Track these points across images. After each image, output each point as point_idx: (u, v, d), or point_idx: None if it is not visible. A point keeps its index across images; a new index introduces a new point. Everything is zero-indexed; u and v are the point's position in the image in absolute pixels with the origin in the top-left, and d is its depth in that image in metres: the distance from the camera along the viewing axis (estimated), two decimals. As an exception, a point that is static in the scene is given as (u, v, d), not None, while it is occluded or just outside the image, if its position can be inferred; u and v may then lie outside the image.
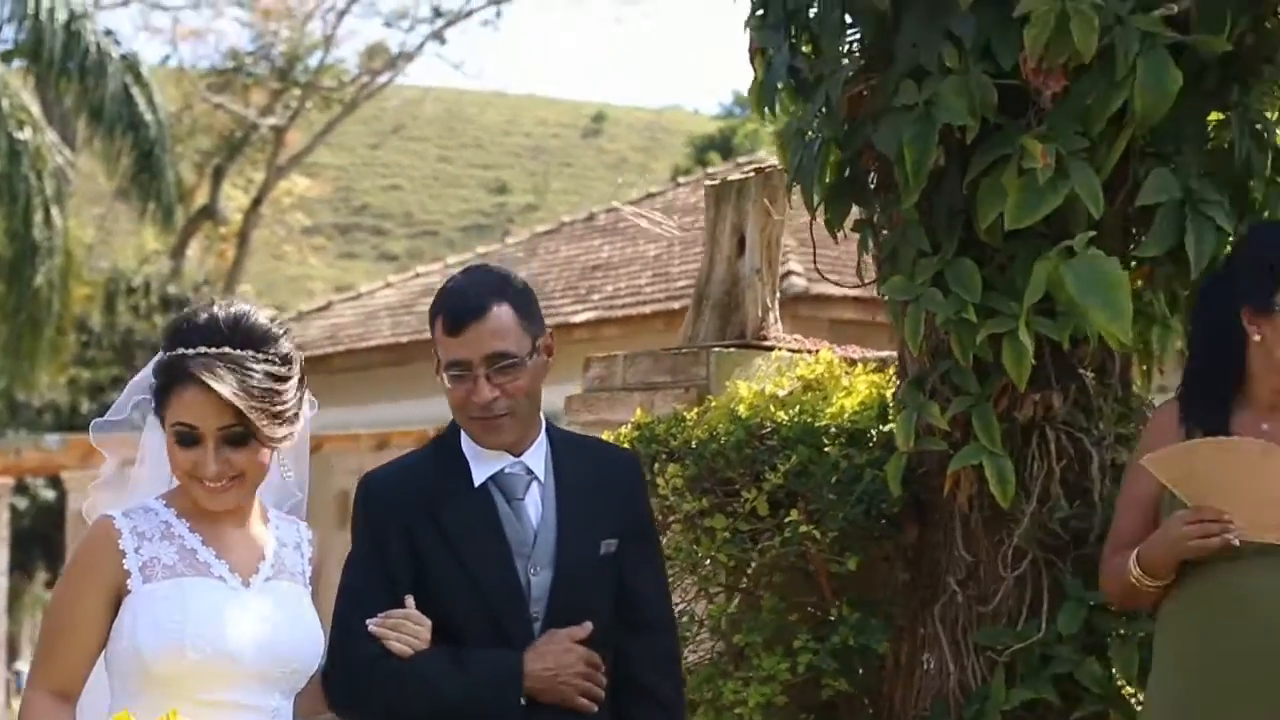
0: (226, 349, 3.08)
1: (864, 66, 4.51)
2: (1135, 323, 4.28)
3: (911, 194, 4.25)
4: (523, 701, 3.36)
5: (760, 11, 4.62)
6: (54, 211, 17.64)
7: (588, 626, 3.41)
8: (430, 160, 55.69)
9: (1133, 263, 4.38)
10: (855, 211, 4.66)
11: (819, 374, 5.02)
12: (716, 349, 5.42)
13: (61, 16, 17.65)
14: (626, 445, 4.70)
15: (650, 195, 17.46)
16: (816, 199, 4.58)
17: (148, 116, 18.62)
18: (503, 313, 3.37)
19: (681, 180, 19.31)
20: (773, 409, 4.78)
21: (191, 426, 3.09)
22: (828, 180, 4.59)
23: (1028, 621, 4.43)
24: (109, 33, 18.64)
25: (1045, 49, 3.99)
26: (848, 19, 4.52)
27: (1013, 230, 4.15)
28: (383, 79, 35.87)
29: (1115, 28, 4.02)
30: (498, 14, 62.53)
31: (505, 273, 3.48)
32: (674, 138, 52.82)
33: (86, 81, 18.04)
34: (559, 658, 3.38)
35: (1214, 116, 4.42)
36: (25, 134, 17.06)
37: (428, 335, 3.49)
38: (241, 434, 3.09)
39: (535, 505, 3.45)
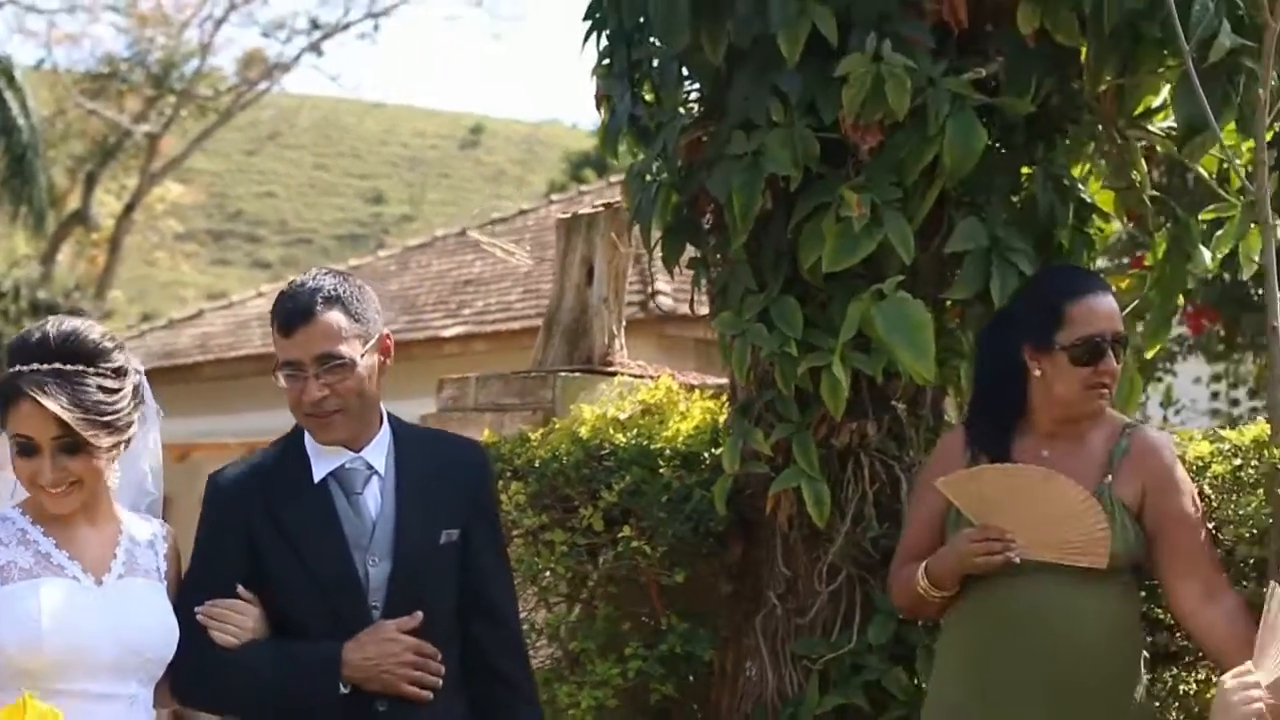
0: (58, 365, 3.31)
1: (700, 116, 4.78)
2: (947, 359, 4.56)
3: (740, 236, 4.51)
4: (346, 690, 3.46)
5: (606, 61, 4.86)
6: (-77, 215, 17.57)
7: (418, 616, 3.49)
8: (306, 168, 55.30)
9: (947, 303, 4.66)
10: (691, 250, 4.91)
11: (658, 399, 5.28)
12: (563, 373, 5.68)
13: (-65, 19, 17.60)
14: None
15: (523, 212, 17.67)
16: (655, 237, 4.86)
17: (20, 120, 18.58)
18: (332, 316, 3.50)
19: (555, 198, 19.51)
20: (612, 431, 5.05)
21: (29, 438, 3.33)
22: (667, 220, 4.84)
23: (841, 633, 4.68)
24: (-17, 36, 18.62)
25: (862, 107, 4.27)
26: (685, 72, 4.78)
27: (831, 272, 4.42)
28: (259, 88, 35.75)
29: (928, 89, 4.31)
30: (375, 27, 62.48)
31: (340, 276, 3.58)
32: (551, 151, 52.87)
33: (-41, 84, 17.99)
34: (380, 647, 3.46)
35: (1026, 170, 4.70)
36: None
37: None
38: (74, 443, 3.32)
39: (375, 498, 3.55)
